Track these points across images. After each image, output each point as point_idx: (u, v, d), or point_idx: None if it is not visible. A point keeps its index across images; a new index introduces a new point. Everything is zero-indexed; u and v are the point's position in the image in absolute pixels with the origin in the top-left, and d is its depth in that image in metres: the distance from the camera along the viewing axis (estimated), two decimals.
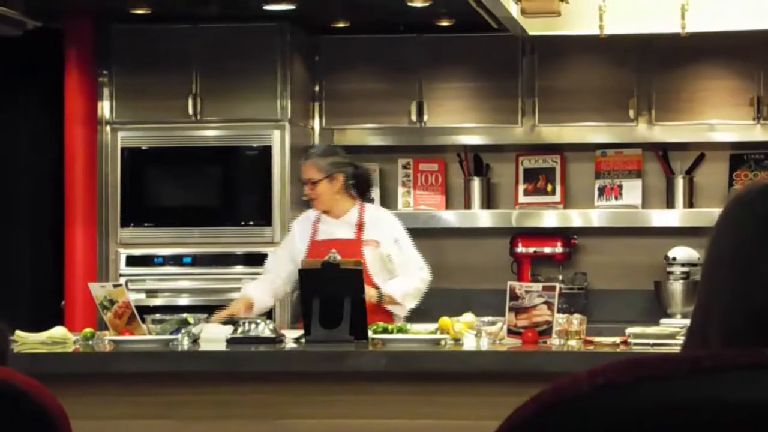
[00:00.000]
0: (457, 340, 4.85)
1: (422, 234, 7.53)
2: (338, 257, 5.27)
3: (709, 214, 7.12)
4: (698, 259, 7.13)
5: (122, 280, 6.81)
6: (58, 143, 7.19)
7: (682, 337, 4.67)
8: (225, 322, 5.22)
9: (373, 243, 5.77)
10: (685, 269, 7.16)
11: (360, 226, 5.80)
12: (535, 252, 7.43)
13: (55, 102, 7.19)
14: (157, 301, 7.07)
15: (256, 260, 6.67)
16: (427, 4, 6.68)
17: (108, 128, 7.19)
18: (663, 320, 6.82)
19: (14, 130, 7.45)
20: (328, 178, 5.79)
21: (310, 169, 5.83)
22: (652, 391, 1.36)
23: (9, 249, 7.42)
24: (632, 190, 7.39)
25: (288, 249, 5.92)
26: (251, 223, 7.06)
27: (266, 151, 7.09)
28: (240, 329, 4.87)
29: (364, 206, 5.91)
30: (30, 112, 7.47)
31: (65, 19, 7.10)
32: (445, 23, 7.22)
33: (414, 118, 7.37)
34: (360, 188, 5.94)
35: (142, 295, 7.05)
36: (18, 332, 4.89)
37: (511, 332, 4.82)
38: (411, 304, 5.78)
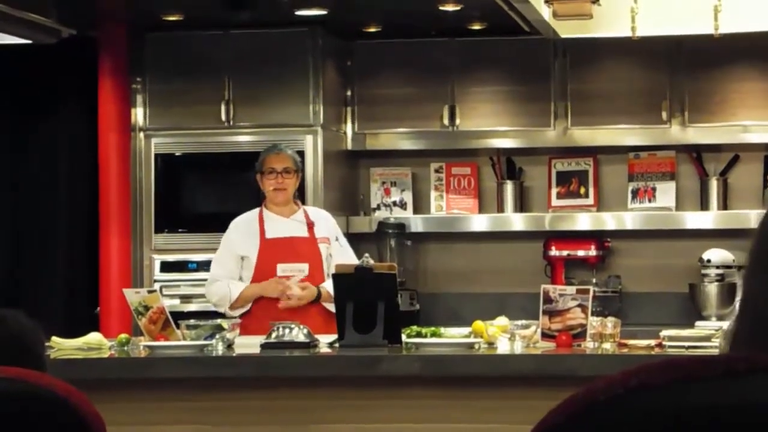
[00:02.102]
0: (490, 344, 4.84)
1: (455, 238, 7.55)
2: (371, 261, 5.27)
3: (743, 215, 7.08)
4: (733, 261, 7.10)
5: (156, 286, 6.83)
6: (93, 150, 7.23)
7: (718, 340, 4.66)
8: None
9: (325, 240, 5.80)
10: (720, 271, 7.12)
11: (311, 225, 5.81)
12: (568, 255, 7.41)
13: (89, 109, 7.23)
14: (192, 307, 7.09)
15: None
16: (458, 8, 6.68)
17: (142, 135, 7.22)
18: (698, 323, 6.79)
19: (49, 138, 7.50)
20: (296, 173, 5.84)
21: (286, 159, 5.85)
22: (686, 393, 1.36)
23: (45, 255, 7.46)
24: (666, 193, 7.36)
25: (231, 254, 5.82)
26: None
27: (299, 156, 7.10)
28: (274, 334, 4.89)
29: (305, 208, 5.95)
30: (65, 119, 7.51)
31: (99, 27, 7.14)
32: (476, 27, 7.21)
33: (446, 121, 7.37)
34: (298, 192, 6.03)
35: (177, 301, 7.07)
36: (54, 338, 4.92)
37: (545, 335, 4.81)
38: None
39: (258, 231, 5.79)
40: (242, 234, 5.83)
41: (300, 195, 7.05)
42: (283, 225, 5.79)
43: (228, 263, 5.82)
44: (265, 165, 5.83)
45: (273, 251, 5.71)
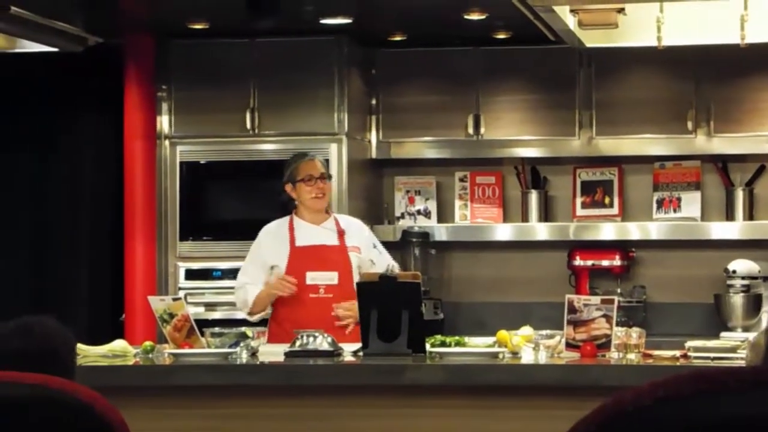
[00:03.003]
0: (515, 354, 4.83)
1: (479, 247, 7.54)
2: (396, 270, 5.27)
3: None
4: (758, 271, 7.07)
5: (181, 294, 6.85)
6: (118, 158, 7.25)
7: (743, 351, 4.64)
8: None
9: (356, 249, 5.77)
10: (745, 282, 7.09)
11: (341, 233, 5.79)
12: (593, 265, 7.39)
13: (115, 117, 7.26)
14: (216, 315, 7.11)
15: None
16: (483, 17, 6.69)
17: (167, 142, 7.25)
18: (723, 333, 6.77)
19: (75, 145, 7.53)
20: (330, 178, 5.85)
21: (321, 165, 5.84)
22: (713, 405, 1.35)
23: (71, 263, 7.49)
24: (691, 203, 7.34)
25: (259, 262, 5.79)
26: None
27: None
28: (298, 342, 4.89)
29: (335, 215, 5.92)
30: (90, 127, 7.54)
31: (125, 35, 7.17)
32: (501, 36, 7.21)
33: (471, 130, 7.37)
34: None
35: (201, 309, 7.09)
36: (79, 345, 4.93)
37: (570, 345, 4.80)
38: None
39: (288, 239, 5.77)
40: (272, 242, 5.80)
41: None
42: (314, 233, 5.77)
43: (253, 271, 5.80)
44: (301, 173, 5.78)
45: (302, 259, 5.69)
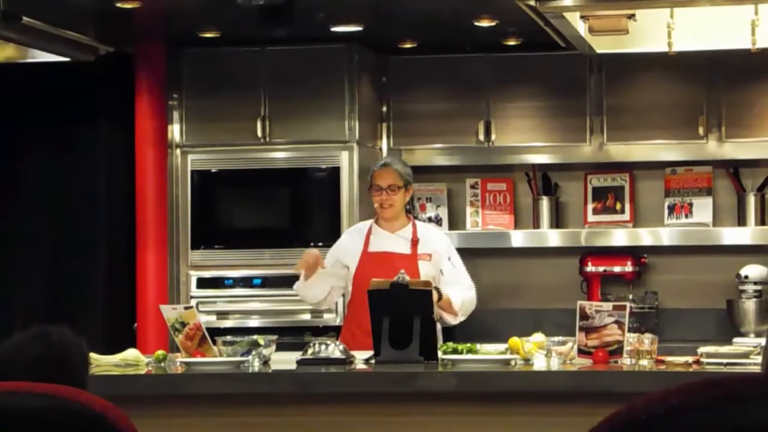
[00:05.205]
0: (527, 360, 4.83)
1: (491, 254, 7.53)
2: (407, 277, 5.27)
3: None
4: None
5: (193, 303, 6.86)
6: (130, 166, 7.26)
7: (756, 357, 4.63)
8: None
9: (427, 257, 5.77)
10: (758, 287, 7.08)
11: (415, 242, 5.79)
12: (604, 271, 7.39)
13: (126, 126, 7.27)
14: (228, 323, 7.11)
15: None
16: (494, 24, 6.69)
17: (178, 151, 7.26)
18: (736, 339, 6.75)
19: (87, 154, 7.54)
20: (405, 187, 5.80)
21: (392, 175, 5.79)
22: (727, 412, 1.35)
23: (83, 272, 7.50)
24: (703, 208, 7.33)
25: (333, 258, 5.83)
26: (320, 244, 7.07)
27: (335, 172, 7.12)
28: (310, 350, 4.89)
29: (416, 222, 5.91)
30: (102, 136, 7.56)
31: (136, 44, 7.18)
32: (512, 42, 7.21)
33: (482, 137, 7.37)
34: (410, 205, 5.99)
35: (213, 317, 7.10)
36: (92, 354, 4.93)
37: (582, 352, 4.80)
38: (462, 317, 5.76)
39: (363, 243, 5.80)
40: (351, 243, 5.86)
41: (334, 211, 7.09)
42: (388, 240, 5.79)
43: (327, 263, 5.82)
44: (372, 180, 5.81)
45: (371, 265, 5.70)
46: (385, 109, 7.51)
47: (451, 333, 7.09)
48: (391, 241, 5.78)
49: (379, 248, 5.77)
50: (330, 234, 7.06)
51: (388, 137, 7.50)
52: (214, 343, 5.01)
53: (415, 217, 6.11)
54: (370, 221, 5.90)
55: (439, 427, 4.63)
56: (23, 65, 6.78)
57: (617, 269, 7.37)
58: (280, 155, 7.20)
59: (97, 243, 7.51)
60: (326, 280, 5.77)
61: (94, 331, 7.17)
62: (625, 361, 4.74)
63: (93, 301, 7.48)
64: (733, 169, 7.35)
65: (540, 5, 5.47)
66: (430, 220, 7.59)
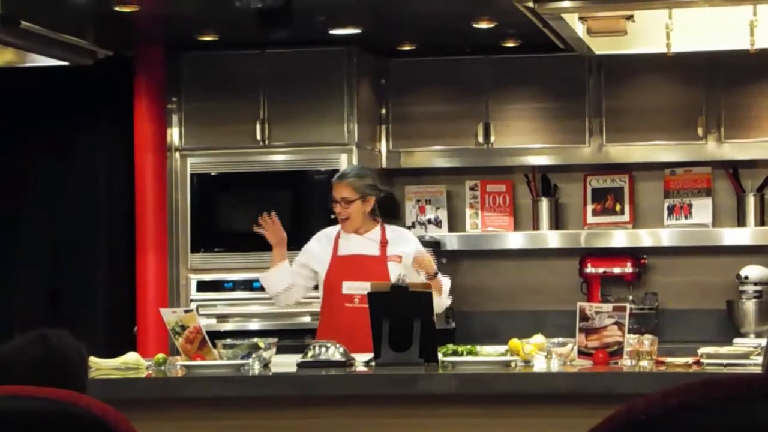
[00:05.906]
0: (527, 362, 4.83)
1: (490, 255, 7.54)
2: (407, 280, 5.26)
3: None
4: None
5: (193, 306, 6.86)
6: (130, 170, 7.27)
7: (756, 357, 4.63)
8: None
9: (397, 259, 5.76)
10: (758, 288, 7.08)
11: (384, 243, 5.79)
12: (604, 272, 7.39)
13: (125, 129, 7.28)
14: (228, 326, 7.11)
15: None
16: (492, 26, 6.69)
17: (178, 154, 7.26)
18: (736, 340, 6.75)
19: (86, 158, 7.55)
20: (362, 199, 5.79)
21: (344, 189, 5.80)
22: (727, 413, 1.35)
23: (84, 275, 7.50)
24: (702, 209, 7.33)
25: (302, 261, 5.84)
26: None
27: (334, 174, 7.11)
28: (310, 353, 4.89)
29: (385, 225, 5.91)
30: (101, 139, 7.56)
31: (135, 48, 7.19)
32: (511, 44, 7.22)
33: (481, 139, 7.37)
34: (388, 212, 5.95)
35: (213, 320, 7.10)
36: (92, 358, 4.94)
37: (582, 353, 4.79)
38: (443, 306, 5.78)
39: (332, 247, 5.80)
40: (319, 249, 5.85)
41: (334, 214, 7.08)
42: (356, 243, 5.79)
43: (295, 267, 5.84)
44: (332, 192, 5.85)
45: (341, 268, 5.71)
46: (384, 111, 7.51)
47: (451, 335, 7.09)
48: (360, 243, 5.78)
49: (349, 251, 5.77)
50: None
51: (387, 140, 7.51)
52: (215, 346, 5.01)
53: (392, 223, 6.07)
54: (336, 227, 5.87)
55: (439, 429, 4.62)
56: (23, 69, 6.78)
57: (617, 270, 7.37)
58: (279, 158, 7.20)
59: (97, 246, 7.51)
60: (289, 276, 5.78)
61: (94, 335, 7.17)
62: (626, 363, 4.73)
63: (93, 305, 7.48)
64: (733, 169, 7.36)
65: (538, 7, 5.47)
66: (429, 222, 7.59)
